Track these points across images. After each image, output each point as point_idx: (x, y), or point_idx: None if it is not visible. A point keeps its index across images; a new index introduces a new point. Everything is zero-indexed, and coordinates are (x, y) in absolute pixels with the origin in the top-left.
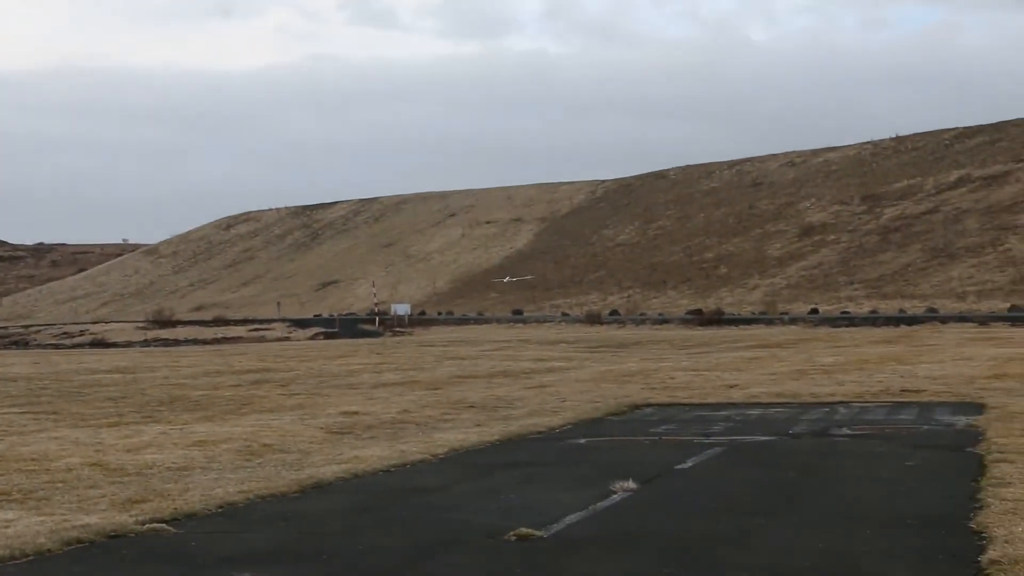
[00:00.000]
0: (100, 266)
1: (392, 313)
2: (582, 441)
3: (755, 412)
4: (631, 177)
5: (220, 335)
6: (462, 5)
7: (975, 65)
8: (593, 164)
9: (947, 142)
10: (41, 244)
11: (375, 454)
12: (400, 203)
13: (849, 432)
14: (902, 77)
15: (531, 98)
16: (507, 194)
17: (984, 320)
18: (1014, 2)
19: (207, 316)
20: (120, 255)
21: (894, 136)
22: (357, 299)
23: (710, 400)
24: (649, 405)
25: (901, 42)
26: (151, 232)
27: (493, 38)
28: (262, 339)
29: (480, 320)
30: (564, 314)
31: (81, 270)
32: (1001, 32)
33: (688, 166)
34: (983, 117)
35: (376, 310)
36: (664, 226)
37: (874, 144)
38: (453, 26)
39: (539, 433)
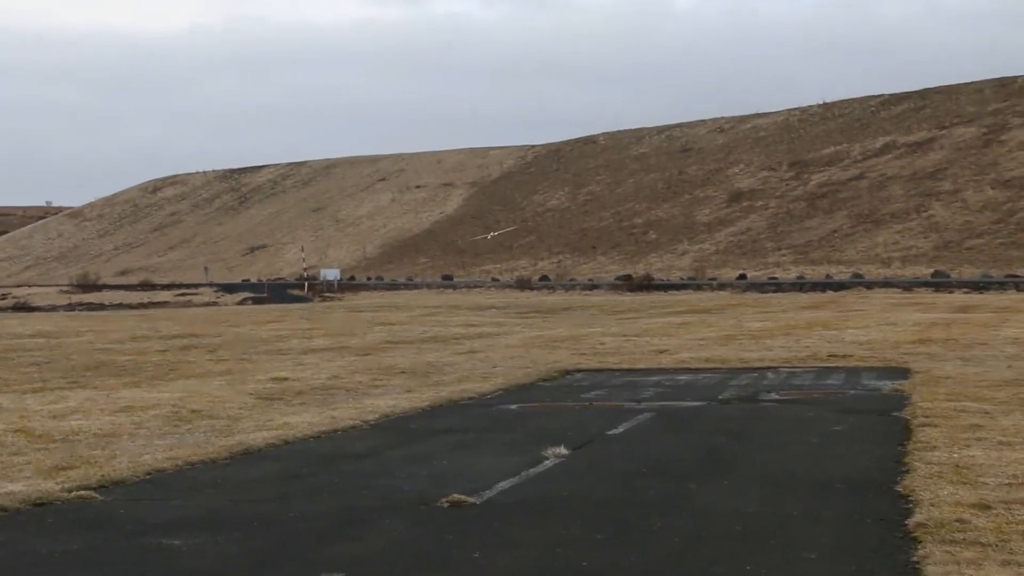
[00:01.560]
0: (22, 229)
1: (322, 278)
2: (513, 407)
3: (684, 378)
4: (561, 142)
5: (146, 300)
6: None
7: (896, 34)
8: (523, 129)
9: (873, 109)
10: None
11: (305, 420)
12: (329, 167)
13: (777, 397)
14: (825, 45)
15: (458, 62)
16: (437, 159)
17: (908, 286)
18: None
19: (133, 280)
20: (43, 218)
21: (821, 103)
22: (286, 264)
23: (640, 366)
24: (579, 371)
25: (823, 10)
26: (75, 195)
27: (418, 2)
28: (189, 304)
29: (410, 285)
30: (494, 279)
31: (2, 233)
32: (920, 2)
33: (618, 131)
34: (908, 85)
35: (305, 275)
36: (594, 191)
37: (802, 111)
38: None
39: (470, 399)
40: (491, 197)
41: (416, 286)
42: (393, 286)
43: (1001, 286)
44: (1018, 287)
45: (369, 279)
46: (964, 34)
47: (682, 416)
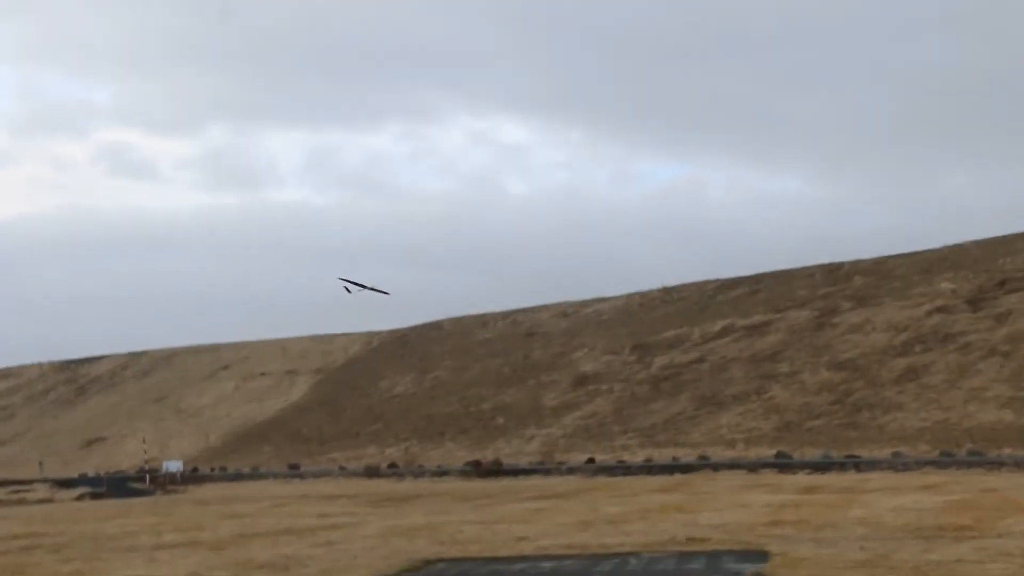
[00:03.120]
0: None
1: (164, 470)
2: None
3: (548, 565)
4: (407, 328)
5: None
6: (220, 157)
7: (723, 219)
8: (367, 315)
9: (711, 293)
10: None
11: None
12: (171, 356)
13: None
14: (660, 230)
15: (298, 249)
16: (281, 346)
17: (753, 467)
18: (748, 160)
19: None
20: None
21: (661, 287)
22: (126, 456)
23: (502, 553)
24: (442, 560)
25: (653, 199)
26: None
27: (253, 190)
28: (23, 501)
29: (256, 475)
30: (342, 467)
31: None
32: (741, 189)
33: (463, 317)
34: (743, 269)
35: (147, 467)
36: (440, 377)
37: (642, 295)
38: (212, 178)
39: None
40: (337, 384)
41: (262, 476)
42: (238, 476)
43: (842, 466)
44: (858, 468)
45: (213, 470)
46: (792, 221)
47: None
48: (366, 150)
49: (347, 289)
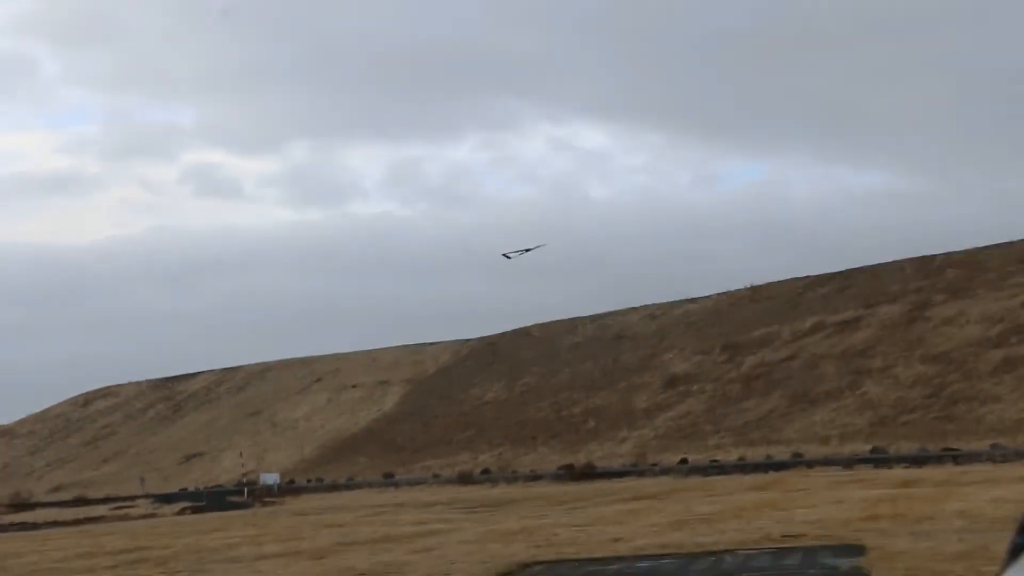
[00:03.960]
0: None
1: (261, 483)
2: None
3: (644, 564)
4: (495, 335)
5: (81, 515)
6: (304, 174)
7: (808, 217)
8: (457, 324)
9: (799, 291)
10: None
11: None
12: (264, 370)
13: None
14: (744, 230)
15: (385, 261)
16: (372, 357)
17: (848, 463)
18: (830, 156)
19: (67, 496)
20: None
21: (749, 286)
22: (224, 470)
23: (597, 554)
24: (539, 563)
25: (738, 195)
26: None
27: (337, 205)
28: (126, 517)
29: (351, 485)
30: (436, 475)
31: None
32: (824, 185)
33: (550, 322)
34: (831, 266)
35: (245, 480)
36: (530, 383)
37: (730, 295)
38: (296, 195)
39: None
40: (428, 393)
41: (358, 486)
42: (334, 487)
43: (939, 460)
44: (955, 460)
45: (309, 481)
46: (880, 215)
47: None
48: (447, 161)
49: (507, 256)
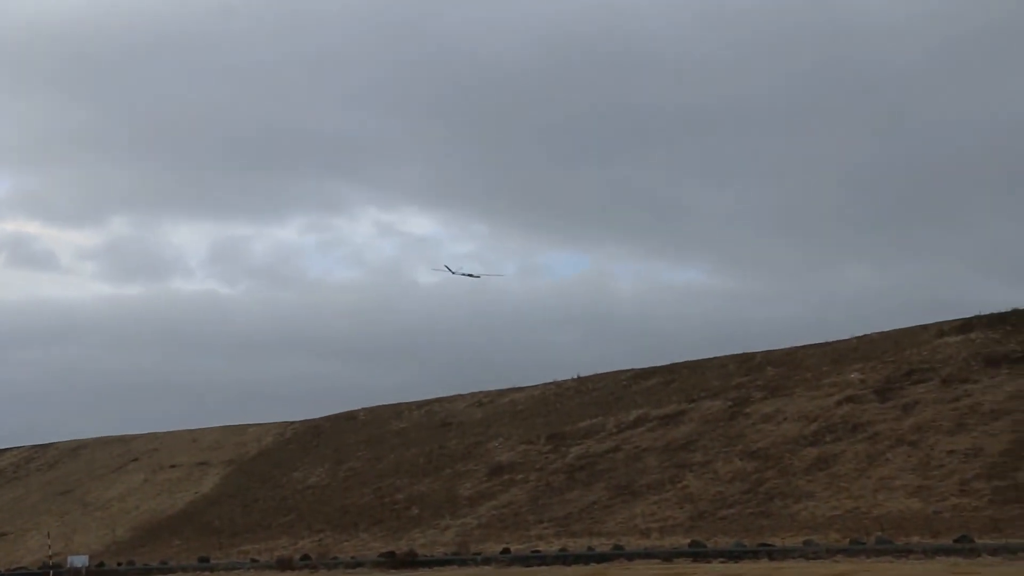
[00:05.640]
0: None
1: (68, 565)
2: None
3: None
4: (320, 418)
5: None
6: (124, 249)
7: (632, 311)
8: (280, 406)
9: (625, 383)
10: None
11: None
12: (78, 448)
13: None
14: (566, 321)
15: (207, 339)
16: (192, 437)
17: (668, 556)
18: (651, 252)
19: None
20: None
21: (576, 376)
22: (28, 551)
23: None
24: None
25: (557, 288)
26: None
27: (158, 280)
28: None
29: (164, 570)
30: (254, 560)
31: None
32: (647, 280)
33: (377, 406)
34: (656, 359)
35: (50, 563)
36: (355, 467)
37: (557, 384)
38: (116, 269)
39: None
40: (249, 475)
41: (171, 570)
42: (146, 571)
43: (755, 555)
44: (771, 556)
45: (120, 564)
46: (701, 312)
47: None
48: (273, 241)
49: (450, 270)
